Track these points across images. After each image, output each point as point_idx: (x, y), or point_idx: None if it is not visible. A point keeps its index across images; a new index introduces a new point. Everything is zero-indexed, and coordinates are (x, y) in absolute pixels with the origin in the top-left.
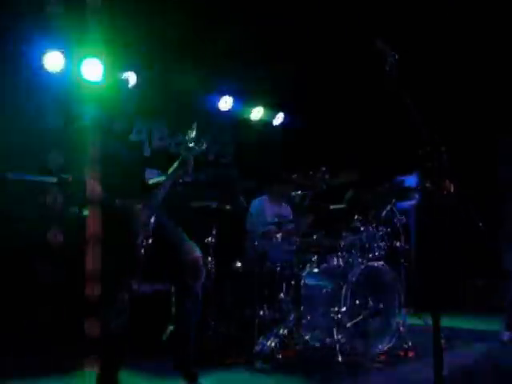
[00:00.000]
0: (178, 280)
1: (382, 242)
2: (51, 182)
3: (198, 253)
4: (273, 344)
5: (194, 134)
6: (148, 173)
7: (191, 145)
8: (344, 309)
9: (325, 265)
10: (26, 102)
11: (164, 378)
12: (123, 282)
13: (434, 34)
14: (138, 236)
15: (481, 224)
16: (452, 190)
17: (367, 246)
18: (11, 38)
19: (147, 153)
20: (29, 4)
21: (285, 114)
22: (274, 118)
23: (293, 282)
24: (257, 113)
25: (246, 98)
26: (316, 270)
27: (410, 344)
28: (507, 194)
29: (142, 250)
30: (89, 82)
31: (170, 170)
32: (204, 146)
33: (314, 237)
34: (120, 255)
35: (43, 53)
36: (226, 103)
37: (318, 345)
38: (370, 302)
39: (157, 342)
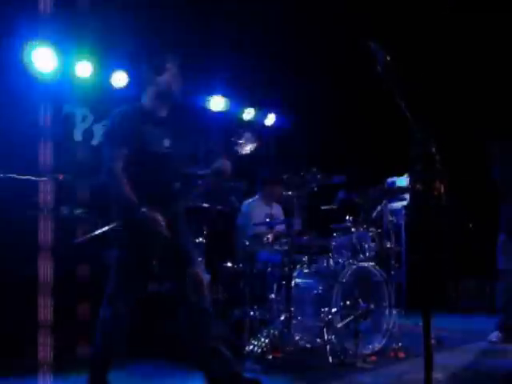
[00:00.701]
0: (180, 293)
1: (372, 242)
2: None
3: (203, 273)
4: (263, 345)
5: (247, 133)
6: None
7: (242, 147)
8: (334, 309)
9: (315, 265)
10: (16, 101)
11: (164, 378)
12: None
13: (428, 35)
14: (153, 248)
15: (471, 225)
16: (442, 190)
17: (358, 246)
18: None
19: None
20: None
21: (276, 115)
22: (265, 118)
23: (283, 283)
24: (248, 113)
25: (237, 98)
26: (307, 271)
27: (400, 344)
28: (504, 195)
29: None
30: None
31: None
32: (252, 148)
33: (305, 237)
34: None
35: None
36: (217, 103)
37: (308, 345)
38: (361, 303)
39: (156, 341)
